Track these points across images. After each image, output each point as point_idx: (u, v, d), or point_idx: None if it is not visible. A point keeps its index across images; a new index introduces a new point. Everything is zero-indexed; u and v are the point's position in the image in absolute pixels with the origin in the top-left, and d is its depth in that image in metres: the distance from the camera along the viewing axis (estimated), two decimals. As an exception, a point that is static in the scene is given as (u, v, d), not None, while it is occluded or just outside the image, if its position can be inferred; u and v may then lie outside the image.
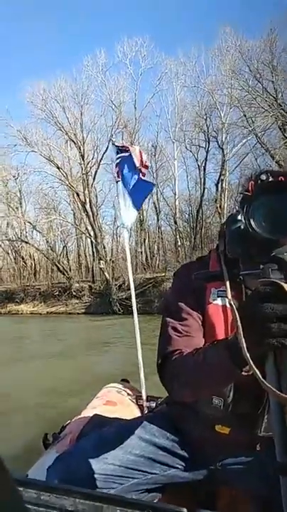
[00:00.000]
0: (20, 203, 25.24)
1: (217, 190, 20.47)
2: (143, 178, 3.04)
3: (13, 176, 24.25)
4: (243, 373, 0.72)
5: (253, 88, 16.64)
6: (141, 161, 3.01)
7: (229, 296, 0.81)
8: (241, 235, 0.77)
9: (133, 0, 36.76)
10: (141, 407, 1.97)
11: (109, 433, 1.09)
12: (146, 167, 3.09)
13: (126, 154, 3.01)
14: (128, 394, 2.00)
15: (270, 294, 0.63)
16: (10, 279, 25.41)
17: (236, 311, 0.68)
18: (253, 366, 0.62)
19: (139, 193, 3.08)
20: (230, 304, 0.74)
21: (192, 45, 24.68)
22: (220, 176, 20.28)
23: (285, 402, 0.63)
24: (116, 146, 3.15)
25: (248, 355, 0.62)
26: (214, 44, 20.55)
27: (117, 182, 3.07)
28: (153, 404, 2.05)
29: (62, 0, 37.38)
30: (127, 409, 1.82)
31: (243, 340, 0.64)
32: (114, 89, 21.89)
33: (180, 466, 1.07)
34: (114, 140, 3.45)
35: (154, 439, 1.06)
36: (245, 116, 17.45)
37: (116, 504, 0.47)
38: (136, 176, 3.01)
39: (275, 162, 15.76)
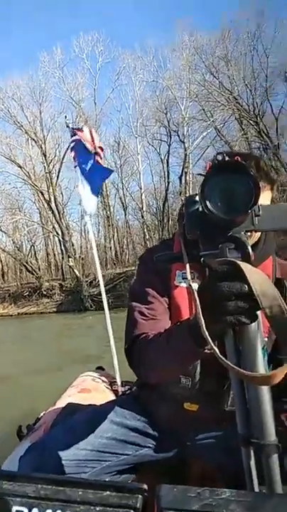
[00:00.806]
0: (-16, 205, 24.40)
1: (180, 183, 20.72)
2: (99, 161, 2.94)
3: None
4: (206, 351, 0.72)
5: (209, 83, 16.91)
6: (93, 143, 2.90)
7: (189, 277, 0.82)
8: (199, 216, 0.77)
9: None
10: (115, 392, 1.95)
11: (80, 419, 1.09)
12: (101, 149, 2.98)
13: (78, 138, 2.90)
14: (103, 381, 1.98)
15: (227, 273, 0.63)
16: (-23, 282, 24.56)
17: (195, 291, 0.68)
18: (212, 343, 0.62)
19: (96, 178, 2.99)
20: (189, 285, 0.75)
21: (149, 39, 24.51)
22: (183, 168, 20.51)
23: (244, 378, 0.64)
24: (71, 127, 3.04)
25: (207, 333, 0.62)
26: (171, 39, 20.55)
27: (75, 167, 2.97)
28: (127, 389, 2.06)
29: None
30: (102, 396, 1.79)
31: (202, 318, 0.63)
32: (72, 85, 21.62)
33: (151, 445, 1.07)
34: (68, 121, 3.28)
35: (125, 421, 1.06)
36: (204, 110, 17.72)
37: (78, 487, 0.48)
38: (91, 161, 2.91)
39: (235, 153, 16.13)
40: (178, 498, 0.45)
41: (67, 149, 3.03)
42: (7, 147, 21.49)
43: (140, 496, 0.47)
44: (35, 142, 21.43)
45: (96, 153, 2.93)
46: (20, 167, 21.34)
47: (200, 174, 0.86)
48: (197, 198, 0.79)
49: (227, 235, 0.72)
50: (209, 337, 0.62)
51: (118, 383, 2.05)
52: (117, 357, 2.52)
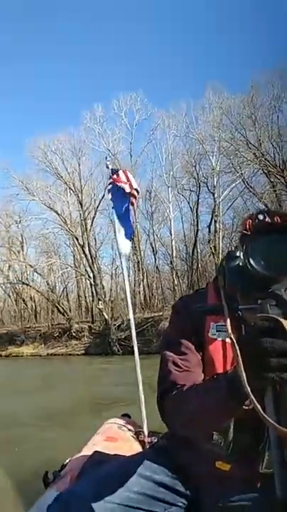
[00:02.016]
0: (22, 247, 25.55)
1: (209, 231, 20.87)
2: (133, 203, 2.92)
3: (15, 222, 24.71)
4: (243, 407, 0.71)
5: (236, 140, 17.54)
6: (131, 185, 2.88)
7: (230, 330, 0.80)
8: (240, 271, 0.79)
9: (128, 55, 39.17)
10: (142, 443, 1.89)
11: (108, 471, 1.05)
12: (137, 191, 2.95)
13: (116, 183, 2.88)
14: (129, 429, 1.93)
15: (269, 329, 0.63)
16: (11, 320, 25.01)
17: (236, 345, 0.67)
18: (254, 399, 0.61)
19: (128, 224, 2.97)
20: (230, 338, 0.73)
21: (181, 99, 26.09)
22: (212, 218, 20.75)
23: (285, 436, 0.62)
24: (110, 168, 3.02)
25: (248, 387, 0.62)
26: (201, 100, 21.82)
27: (112, 208, 2.96)
28: (155, 440, 1.99)
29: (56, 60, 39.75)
30: (128, 445, 1.75)
31: (243, 373, 0.63)
32: (110, 138, 22.98)
33: (181, 504, 1.02)
34: (108, 162, 3.24)
35: (154, 475, 1.01)
36: (232, 164, 18.21)
37: None
38: (126, 204, 2.90)
39: (263, 204, 16.25)
40: None
41: (105, 191, 3.03)
42: (47, 195, 22.82)
43: None
44: (73, 191, 22.63)
45: (132, 194, 2.90)
46: (57, 214, 22.40)
47: (241, 231, 0.87)
48: (237, 254, 0.82)
49: (269, 291, 0.73)
50: (251, 393, 0.61)
51: (145, 433, 1.99)
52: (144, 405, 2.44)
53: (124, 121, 23.42)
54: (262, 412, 0.61)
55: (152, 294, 23.24)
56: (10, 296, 26.53)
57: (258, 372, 0.62)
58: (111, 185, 2.94)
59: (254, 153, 16.62)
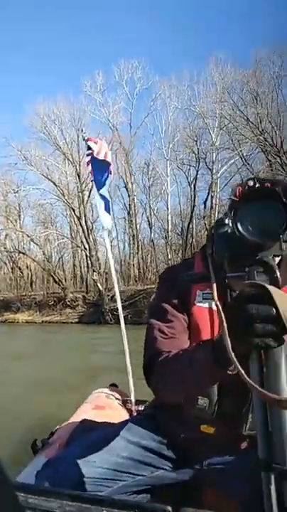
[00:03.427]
0: (19, 216, 25.27)
1: (204, 207, 20.74)
2: (110, 175, 2.79)
3: (13, 191, 24.30)
4: (228, 373, 0.71)
5: (237, 117, 17.10)
6: (106, 153, 2.75)
7: (216, 297, 0.80)
8: (228, 238, 0.77)
9: (130, 21, 37.38)
10: (129, 411, 1.92)
11: (96, 437, 1.06)
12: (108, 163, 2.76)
13: (92, 152, 2.73)
14: (116, 398, 1.96)
15: (255, 296, 0.62)
16: (7, 288, 25.10)
17: (221, 311, 0.67)
18: (238, 364, 0.61)
19: (106, 199, 2.86)
20: (216, 305, 0.73)
21: (184, 69, 25.08)
22: (208, 194, 20.56)
23: (269, 400, 0.63)
24: (86, 140, 2.84)
25: (232, 354, 0.62)
26: (204, 71, 21.04)
27: (92, 181, 2.84)
28: (142, 408, 2.02)
29: (62, 20, 37.99)
30: (115, 413, 1.78)
31: (228, 339, 0.63)
32: (111, 108, 22.29)
33: (167, 467, 1.04)
34: (84, 135, 3.03)
35: (141, 441, 1.03)
36: (232, 140, 17.86)
37: (103, 505, 0.46)
38: (105, 174, 2.77)
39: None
40: None
41: (87, 165, 2.85)
42: (45, 166, 22.34)
43: None
44: (71, 163, 22.14)
45: (108, 163, 2.76)
46: (55, 184, 22.03)
47: (230, 198, 0.86)
48: (226, 221, 0.80)
49: (256, 258, 0.72)
50: (235, 358, 0.62)
51: (133, 402, 2.02)
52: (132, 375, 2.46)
53: (125, 90, 22.67)
54: (246, 376, 0.61)
55: (146, 267, 23.34)
56: (6, 264, 26.53)
57: (243, 338, 0.62)
58: (89, 157, 2.80)
59: (253, 131, 16.26)
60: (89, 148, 2.81)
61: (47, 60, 39.54)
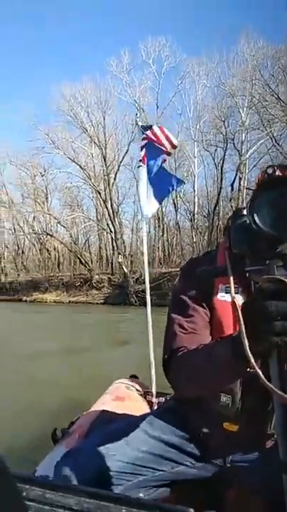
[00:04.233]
0: (47, 199, 25.68)
1: (232, 190, 20.18)
2: (164, 161, 2.78)
3: (40, 174, 24.62)
4: (249, 370, 0.67)
5: (265, 96, 16.33)
6: (171, 142, 2.74)
7: (233, 293, 0.77)
8: (246, 230, 0.73)
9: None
10: (149, 403, 1.92)
11: (117, 429, 1.04)
12: (174, 146, 2.78)
13: (150, 136, 2.73)
14: (137, 390, 1.94)
15: (274, 292, 0.59)
16: (35, 269, 25.80)
17: (238, 308, 0.64)
18: (255, 365, 0.59)
19: (162, 184, 2.81)
20: (232, 301, 0.72)
21: (214, 46, 24.04)
22: (236, 175, 19.98)
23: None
24: (142, 126, 2.86)
25: (249, 353, 0.59)
26: (235, 47, 20.00)
27: (139, 167, 2.82)
28: (163, 400, 2.00)
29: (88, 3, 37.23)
30: (136, 405, 1.77)
31: (245, 337, 0.60)
32: (137, 89, 21.83)
33: (188, 463, 1.01)
34: (138, 120, 3.05)
35: (162, 435, 1.01)
36: (262, 120, 17.12)
37: (121, 503, 0.45)
38: (159, 161, 2.75)
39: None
40: None
41: (141, 149, 2.81)
42: (71, 149, 22.37)
43: None
44: (97, 145, 22.03)
45: (167, 152, 2.76)
46: (81, 168, 22.06)
47: (249, 188, 0.81)
48: (245, 212, 0.76)
49: (276, 251, 0.67)
50: (252, 357, 0.59)
51: (153, 394, 2.01)
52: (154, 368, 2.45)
53: (152, 70, 22.08)
54: (264, 378, 0.59)
55: (171, 250, 23.25)
56: (35, 246, 27.19)
57: (261, 336, 0.60)
58: (145, 142, 2.76)
59: (283, 111, 15.51)
60: (143, 133, 2.80)
61: (74, 42, 38.96)
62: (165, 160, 2.82)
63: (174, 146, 2.80)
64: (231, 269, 0.83)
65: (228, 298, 0.92)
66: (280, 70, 16.36)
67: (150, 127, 2.81)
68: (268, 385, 0.58)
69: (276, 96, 15.83)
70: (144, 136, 2.78)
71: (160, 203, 3.00)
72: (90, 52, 39.76)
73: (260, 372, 0.59)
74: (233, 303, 0.70)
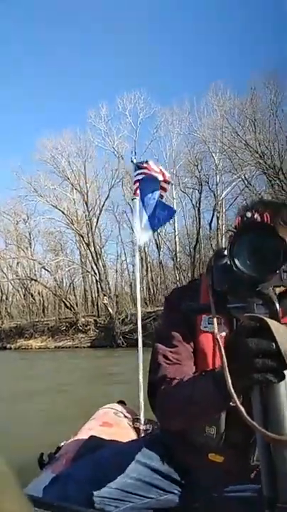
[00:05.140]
0: (30, 244, 25.72)
1: (210, 228, 20.83)
2: (162, 197, 2.93)
3: (24, 220, 24.84)
4: (232, 404, 0.67)
5: (235, 143, 17.49)
6: (163, 174, 2.90)
7: (216, 330, 0.76)
8: (227, 270, 0.74)
9: (129, 54, 38.95)
10: (137, 430, 1.88)
11: (106, 455, 1.03)
12: (167, 182, 2.95)
13: (145, 171, 2.90)
14: (125, 416, 1.89)
15: (254, 329, 0.61)
16: (20, 314, 25.13)
17: (221, 345, 0.65)
18: (238, 401, 0.59)
19: (160, 215, 2.95)
20: (215, 339, 0.72)
21: (185, 97, 25.83)
22: (213, 215, 20.70)
23: (269, 440, 0.60)
24: (136, 163, 3.05)
25: (232, 389, 0.60)
26: (205, 98, 21.66)
27: (133, 200, 2.96)
28: (150, 428, 1.96)
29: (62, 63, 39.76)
30: (123, 432, 1.72)
31: (228, 374, 0.61)
32: (115, 137, 22.92)
33: (176, 492, 1.01)
34: (133, 158, 3.30)
35: (151, 463, 1.00)
36: (233, 164, 18.18)
37: None
38: (155, 195, 2.90)
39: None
40: None
41: (134, 183, 3.01)
42: (53, 195, 22.94)
43: None
44: (79, 191, 22.68)
45: (162, 187, 2.92)
46: (64, 213, 22.47)
47: (230, 230, 0.84)
48: (225, 252, 0.77)
49: (255, 290, 0.70)
50: (234, 393, 0.59)
51: (141, 421, 1.97)
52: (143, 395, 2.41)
53: (129, 120, 23.34)
54: (246, 415, 0.59)
55: (156, 289, 23.23)
56: (19, 291, 26.68)
57: (243, 373, 0.61)
58: (142, 176, 2.95)
59: (252, 155, 16.58)
60: (137, 168, 2.99)
61: (56, 96, 41.12)
62: (162, 196, 3.00)
63: (167, 182, 2.98)
64: (214, 308, 0.82)
65: (211, 328, 0.92)
66: (246, 118, 17.67)
67: (146, 162, 3.02)
68: (250, 421, 0.58)
69: (244, 142, 16.94)
70: (140, 171, 2.96)
71: (155, 231, 3.15)
72: (70, 106, 42.01)
73: (242, 409, 0.59)
74: (216, 340, 0.70)
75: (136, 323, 2.99)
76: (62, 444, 1.55)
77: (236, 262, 0.70)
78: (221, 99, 19.76)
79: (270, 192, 16.53)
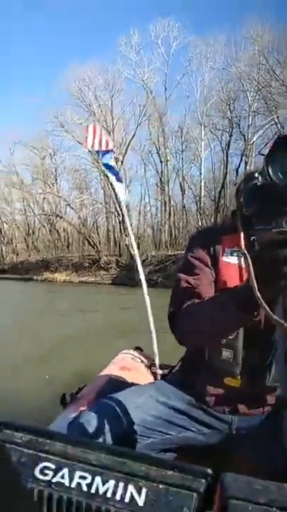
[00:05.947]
0: (56, 180, 25.70)
1: (236, 174, 20.00)
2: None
3: (50, 155, 24.52)
4: (253, 318, 0.72)
5: (270, 82, 15.86)
6: (100, 141, 2.66)
7: (243, 245, 0.79)
8: (257, 191, 0.78)
9: None
10: (154, 374, 1.90)
11: (125, 395, 1.04)
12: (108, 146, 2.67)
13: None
14: (142, 361, 1.96)
15: (282, 242, 0.63)
16: (46, 249, 25.95)
17: (248, 257, 0.68)
18: (264, 303, 0.62)
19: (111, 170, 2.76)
20: (243, 253, 0.74)
21: (222, 28, 23.28)
22: (240, 161, 19.75)
23: None
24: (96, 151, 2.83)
25: (259, 294, 0.63)
26: (242, 30, 19.42)
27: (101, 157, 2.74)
28: (166, 372, 2.03)
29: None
30: (141, 376, 1.78)
31: (254, 281, 0.64)
32: (146, 68, 21.42)
33: (194, 429, 1.04)
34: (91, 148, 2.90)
35: (169, 401, 1.03)
36: (267, 105, 16.77)
37: (141, 461, 0.46)
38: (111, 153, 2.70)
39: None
40: (244, 489, 0.42)
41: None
42: (80, 132, 22.20)
43: (203, 480, 0.45)
44: (105, 129, 21.76)
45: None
46: (89, 151, 21.89)
47: (262, 154, 0.93)
48: (256, 174, 0.81)
49: (284, 208, 0.73)
50: (261, 297, 0.62)
51: (157, 365, 1.98)
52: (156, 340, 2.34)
53: (161, 50, 21.59)
54: (271, 313, 0.62)
55: (178, 233, 23.22)
56: (45, 227, 27.29)
57: (270, 280, 0.64)
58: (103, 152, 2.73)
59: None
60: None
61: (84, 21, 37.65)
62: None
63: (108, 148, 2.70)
64: (241, 226, 0.85)
65: (233, 260, 0.96)
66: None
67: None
68: (274, 318, 0.62)
69: (281, 82, 15.41)
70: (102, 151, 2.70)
71: (122, 182, 2.90)
72: (99, 34, 38.59)
73: (268, 309, 0.62)
74: (243, 254, 0.73)
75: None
76: (83, 386, 1.59)
77: (270, 171, 0.74)
78: (261, 31, 17.67)
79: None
